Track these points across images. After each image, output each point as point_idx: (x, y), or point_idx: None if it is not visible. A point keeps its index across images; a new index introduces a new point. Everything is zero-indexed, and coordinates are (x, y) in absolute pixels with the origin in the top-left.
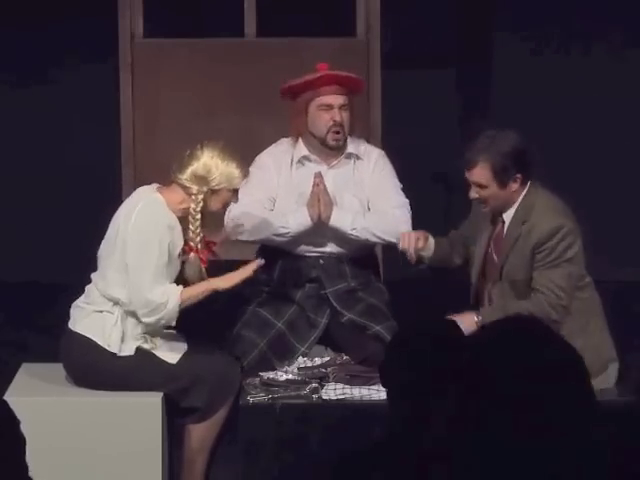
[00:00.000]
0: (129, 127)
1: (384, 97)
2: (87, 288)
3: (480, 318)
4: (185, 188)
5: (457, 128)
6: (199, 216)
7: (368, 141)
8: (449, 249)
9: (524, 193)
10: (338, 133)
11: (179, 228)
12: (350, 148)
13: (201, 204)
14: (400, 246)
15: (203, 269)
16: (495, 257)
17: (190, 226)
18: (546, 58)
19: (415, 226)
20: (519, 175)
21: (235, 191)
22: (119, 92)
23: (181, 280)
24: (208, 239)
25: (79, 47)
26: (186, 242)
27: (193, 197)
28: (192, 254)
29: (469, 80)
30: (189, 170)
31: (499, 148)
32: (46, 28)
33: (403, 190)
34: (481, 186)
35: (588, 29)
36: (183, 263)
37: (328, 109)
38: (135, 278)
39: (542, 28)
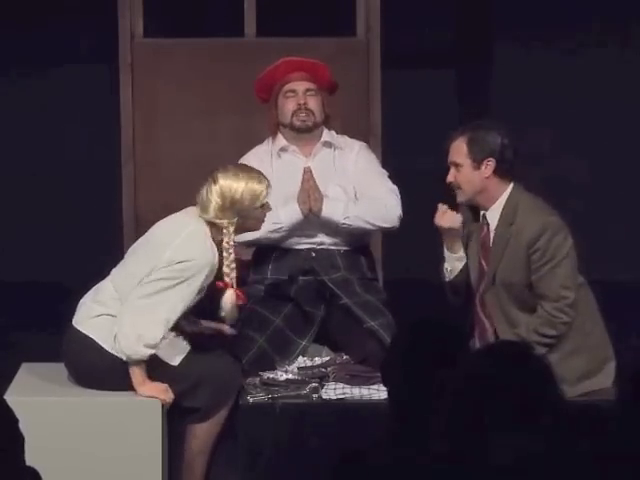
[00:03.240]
0: (129, 127)
1: (384, 97)
2: (99, 285)
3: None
4: (215, 224)
5: (457, 128)
6: (232, 250)
7: (368, 141)
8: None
9: (507, 194)
10: (303, 114)
11: (217, 264)
12: (326, 137)
13: (233, 236)
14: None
15: (239, 306)
16: (483, 262)
17: (225, 261)
18: (546, 58)
19: (414, 226)
20: (492, 160)
21: (265, 205)
22: (119, 92)
23: (216, 315)
24: (240, 259)
25: (79, 47)
26: (220, 277)
27: (225, 230)
28: (229, 291)
29: (469, 80)
30: (212, 207)
31: (481, 129)
32: (46, 28)
33: (402, 192)
34: (457, 165)
35: (588, 29)
36: (218, 298)
37: (293, 95)
38: (148, 307)
39: (542, 28)
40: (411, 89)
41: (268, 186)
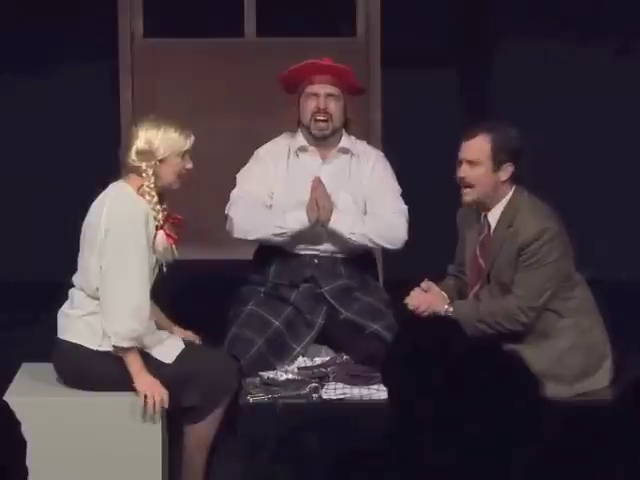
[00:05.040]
0: (129, 127)
1: (384, 97)
2: (70, 292)
3: (452, 309)
4: (135, 169)
5: (457, 128)
6: (154, 192)
7: (368, 141)
8: (455, 289)
9: (509, 197)
10: (322, 122)
11: (151, 214)
12: (344, 143)
13: (152, 179)
14: (410, 306)
15: (173, 247)
16: (482, 261)
17: (149, 204)
18: (546, 58)
19: (416, 225)
20: (511, 165)
21: (184, 155)
22: (119, 92)
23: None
24: (173, 215)
25: (79, 47)
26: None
27: (144, 175)
28: (159, 232)
29: (469, 80)
30: (132, 151)
31: (502, 131)
32: (46, 28)
33: (403, 193)
34: (473, 163)
35: (589, 28)
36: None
37: (315, 97)
38: (117, 281)
39: (542, 27)
40: (411, 89)
41: (188, 137)
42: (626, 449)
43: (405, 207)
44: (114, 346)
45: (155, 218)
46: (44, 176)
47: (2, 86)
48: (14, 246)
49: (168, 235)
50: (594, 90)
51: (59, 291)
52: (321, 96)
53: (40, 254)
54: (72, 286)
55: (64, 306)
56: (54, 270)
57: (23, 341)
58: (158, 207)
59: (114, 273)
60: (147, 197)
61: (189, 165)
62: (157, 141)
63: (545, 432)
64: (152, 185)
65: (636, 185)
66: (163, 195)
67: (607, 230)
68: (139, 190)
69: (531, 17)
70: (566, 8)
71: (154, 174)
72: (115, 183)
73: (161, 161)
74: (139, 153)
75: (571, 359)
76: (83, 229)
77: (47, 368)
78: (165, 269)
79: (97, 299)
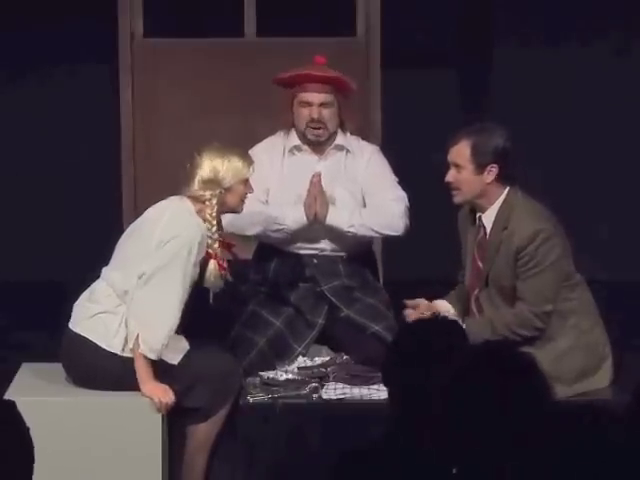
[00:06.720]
0: (129, 127)
1: (384, 97)
2: (93, 286)
3: (464, 326)
4: (198, 198)
5: (457, 128)
6: (215, 221)
7: (368, 140)
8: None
9: (503, 197)
10: (317, 129)
11: (206, 237)
12: (340, 140)
13: (216, 208)
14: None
15: (221, 275)
16: (480, 263)
17: (207, 232)
18: (546, 58)
19: (416, 225)
20: (495, 166)
21: (246, 181)
22: (119, 92)
23: (201, 284)
24: (228, 240)
25: (79, 47)
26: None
27: (207, 203)
28: (212, 261)
29: (469, 80)
30: (196, 180)
31: (485, 133)
32: (46, 28)
33: (401, 185)
34: (458, 167)
35: (588, 28)
36: (203, 268)
37: (307, 106)
38: (159, 293)
39: (542, 28)
40: (411, 89)
41: (251, 164)
42: (626, 449)
43: (404, 194)
44: (136, 351)
45: (209, 246)
46: (44, 176)
47: (2, 86)
48: (14, 246)
49: (220, 265)
50: (594, 90)
51: (59, 291)
52: (314, 105)
53: (40, 254)
54: (97, 278)
55: (81, 298)
56: (54, 270)
57: (23, 341)
58: (216, 236)
59: (158, 284)
60: (207, 225)
61: (251, 190)
62: (222, 170)
63: (545, 432)
64: (214, 214)
65: (636, 185)
66: (220, 221)
67: (607, 230)
68: (199, 213)
69: (531, 17)
70: (566, 8)
71: (218, 202)
72: (177, 198)
73: (226, 189)
74: (204, 182)
75: (571, 359)
76: (129, 231)
77: (47, 368)
78: (212, 297)
79: (121, 299)
